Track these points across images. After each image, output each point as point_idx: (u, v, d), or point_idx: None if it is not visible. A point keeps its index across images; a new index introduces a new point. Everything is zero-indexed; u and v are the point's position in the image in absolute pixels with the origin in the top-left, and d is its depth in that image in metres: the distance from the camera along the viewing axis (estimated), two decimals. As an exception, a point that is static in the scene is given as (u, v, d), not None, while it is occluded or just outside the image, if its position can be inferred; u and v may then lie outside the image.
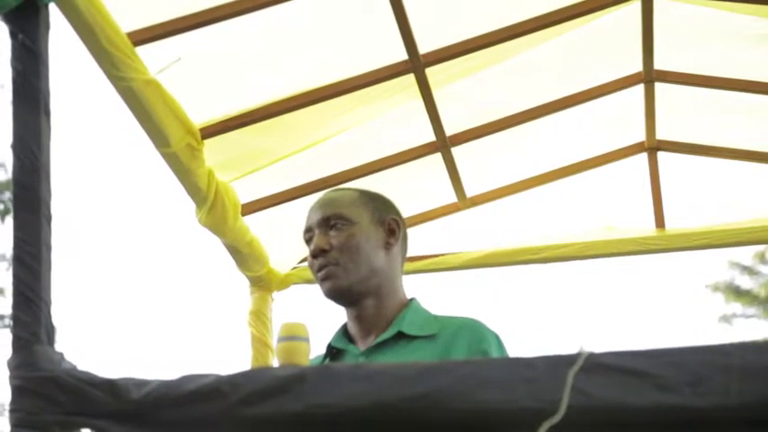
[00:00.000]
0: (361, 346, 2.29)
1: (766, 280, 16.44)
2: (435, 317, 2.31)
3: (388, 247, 2.32)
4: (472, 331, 2.23)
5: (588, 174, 4.21)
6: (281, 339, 2.06)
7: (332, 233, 2.29)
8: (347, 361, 2.29)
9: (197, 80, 3.02)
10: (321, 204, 2.36)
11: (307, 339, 2.07)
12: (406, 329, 2.25)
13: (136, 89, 2.65)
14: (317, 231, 2.32)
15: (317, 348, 2.33)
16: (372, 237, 2.30)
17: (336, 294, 2.28)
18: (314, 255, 2.30)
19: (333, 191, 2.43)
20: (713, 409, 1.26)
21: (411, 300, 2.36)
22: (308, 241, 2.35)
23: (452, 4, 3.17)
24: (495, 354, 2.20)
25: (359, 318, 2.31)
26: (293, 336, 2.05)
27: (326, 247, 2.27)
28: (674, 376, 1.28)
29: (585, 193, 4.29)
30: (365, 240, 2.29)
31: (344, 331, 2.36)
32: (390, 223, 2.35)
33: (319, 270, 2.28)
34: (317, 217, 2.33)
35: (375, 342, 2.25)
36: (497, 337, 2.25)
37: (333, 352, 2.34)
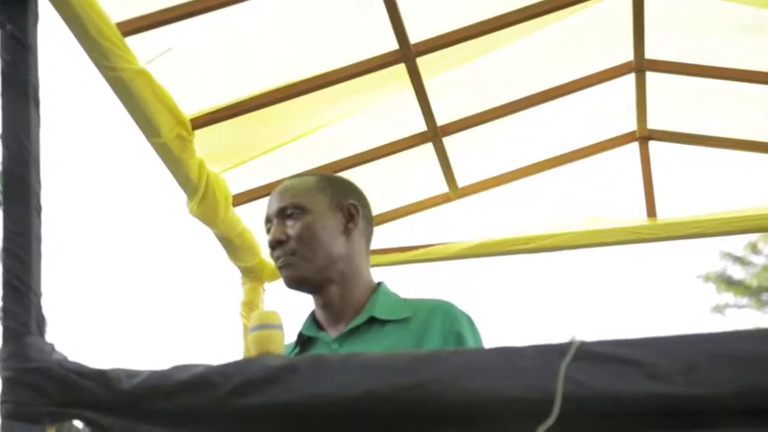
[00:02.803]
0: (332, 332, 2.28)
1: (758, 270, 16.47)
2: (405, 300, 2.30)
3: (347, 232, 2.30)
4: (445, 314, 2.22)
5: (579, 163, 4.21)
6: (253, 329, 2.04)
7: (288, 223, 2.27)
8: (319, 349, 2.28)
9: (187, 70, 3.01)
10: (277, 193, 2.34)
11: (280, 327, 2.05)
12: (378, 314, 2.23)
13: (126, 79, 2.65)
14: (274, 222, 2.30)
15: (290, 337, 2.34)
16: (330, 223, 2.27)
17: (295, 284, 2.27)
18: (271, 246, 2.28)
19: (291, 178, 2.40)
20: (705, 398, 1.26)
21: (379, 284, 2.34)
22: (268, 231, 2.33)
23: (443, -7, 3.17)
24: (468, 335, 2.19)
25: (325, 305, 2.29)
26: (266, 324, 2.04)
27: (283, 238, 2.26)
28: (666, 365, 1.28)
29: (577, 183, 4.29)
30: (321, 228, 2.26)
31: (314, 319, 2.35)
32: (349, 208, 2.32)
33: (277, 261, 2.28)
34: (273, 207, 2.31)
35: (347, 328, 2.24)
36: (470, 319, 2.24)
37: (303, 340, 2.33)
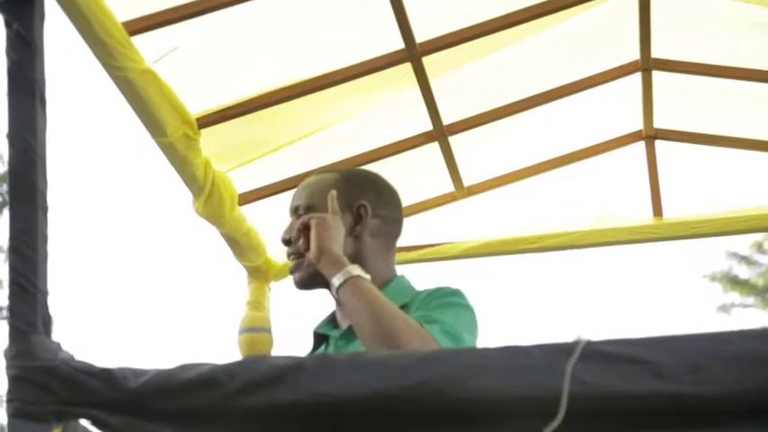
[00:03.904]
0: (345, 328, 2.30)
1: (764, 270, 16.47)
2: (416, 291, 2.31)
3: (354, 234, 2.31)
4: (428, 290, 2.24)
5: (586, 162, 4.20)
6: (242, 331, 2.05)
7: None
8: (329, 345, 2.30)
9: (193, 70, 3.02)
10: (297, 190, 2.38)
11: (268, 330, 2.07)
12: None
13: (132, 79, 2.65)
14: (291, 219, 2.33)
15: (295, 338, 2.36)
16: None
17: (301, 285, 2.31)
18: (282, 243, 2.32)
19: (314, 175, 2.43)
20: (711, 398, 1.26)
21: (396, 277, 2.35)
22: None
23: (449, -8, 3.17)
24: (433, 291, 2.22)
25: (337, 302, 2.31)
26: (254, 327, 2.05)
27: (289, 237, 2.30)
28: (672, 364, 1.28)
29: (583, 182, 4.28)
30: None
31: (333, 316, 2.36)
32: (359, 209, 2.33)
33: (288, 258, 2.32)
34: (291, 204, 2.37)
35: (350, 324, 2.25)
36: (453, 291, 2.24)
37: (320, 338, 2.35)
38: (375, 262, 2.32)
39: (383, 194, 2.40)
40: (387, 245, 2.38)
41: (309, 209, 2.29)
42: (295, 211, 2.34)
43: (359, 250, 2.30)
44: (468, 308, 2.23)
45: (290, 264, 2.32)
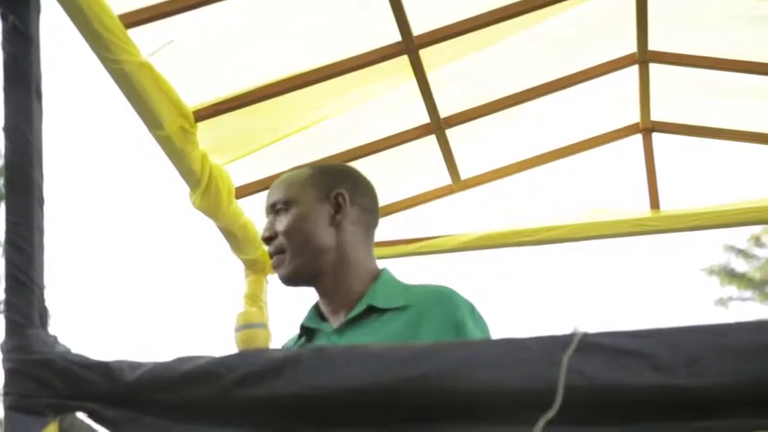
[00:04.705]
0: (334, 323, 2.27)
1: (761, 263, 16.48)
2: (407, 287, 2.28)
3: (335, 223, 2.29)
4: (445, 301, 2.18)
5: (583, 155, 4.21)
6: (237, 329, 2.05)
7: (278, 218, 2.29)
8: (320, 340, 2.27)
9: (190, 62, 3.02)
10: (271, 188, 2.35)
11: (264, 326, 2.06)
12: (377, 303, 2.21)
13: (128, 72, 2.64)
14: (268, 217, 2.32)
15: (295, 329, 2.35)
16: (315, 216, 2.26)
17: (288, 281, 2.28)
18: (263, 242, 2.30)
19: (288, 171, 2.42)
20: (708, 389, 1.26)
21: (382, 270, 2.34)
22: None
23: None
24: (470, 323, 2.14)
25: (323, 296, 2.29)
26: (249, 324, 2.04)
27: (269, 235, 2.28)
28: (669, 356, 1.28)
29: (580, 175, 4.29)
30: (307, 222, 2.26)
31: (317, 310, 2.34)
32: (337, 198, 2.32)
33: (270, 257, 2.29)
34: (267, 202, 2.34)
35: (346, 318, 2.23)
36: (472, 307, 2.20)
37: (306, 332, 2.33)
38: (358, 251, 2.30)
39: (360, 185, 2.38)
40: (367, 235, 2.36)
41: (287, 203, 2.28)
42: (272, 208, 2.32)
43: (341, 240, 2.28)
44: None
45: (273, 262, 2.30)
